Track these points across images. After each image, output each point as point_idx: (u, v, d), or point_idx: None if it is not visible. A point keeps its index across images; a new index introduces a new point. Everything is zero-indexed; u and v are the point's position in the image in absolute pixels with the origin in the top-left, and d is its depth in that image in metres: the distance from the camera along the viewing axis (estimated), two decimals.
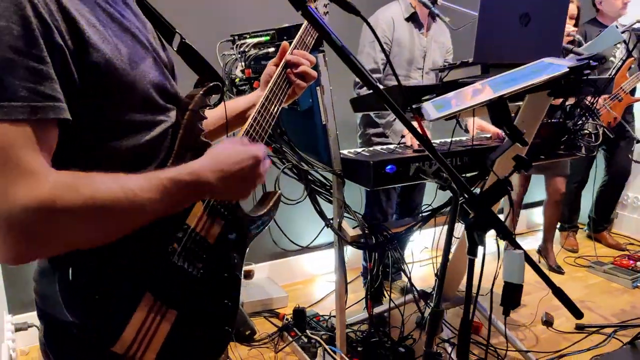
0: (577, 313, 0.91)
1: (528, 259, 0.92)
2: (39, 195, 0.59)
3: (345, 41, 0.86)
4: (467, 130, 2.49)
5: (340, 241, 1.87)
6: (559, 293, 0.91)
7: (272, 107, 1.02)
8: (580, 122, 2.07)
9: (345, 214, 1.88)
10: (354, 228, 1.89)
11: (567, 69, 0.89)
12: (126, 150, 0.75)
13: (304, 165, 1.78)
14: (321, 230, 1.91)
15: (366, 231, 1.84)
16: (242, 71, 1.70)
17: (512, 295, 0.92)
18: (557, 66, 0.88)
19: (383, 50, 0.97)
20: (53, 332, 0.76)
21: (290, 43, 1.11)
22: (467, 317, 1.00)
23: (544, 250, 3.38)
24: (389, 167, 1.74)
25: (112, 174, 0.67)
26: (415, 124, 0.91)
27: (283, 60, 1.07)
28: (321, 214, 1.82)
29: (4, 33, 0.58)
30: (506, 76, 0.89)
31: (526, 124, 1.79)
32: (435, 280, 2.41)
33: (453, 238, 2.21)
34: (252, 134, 0.97)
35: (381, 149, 2.07)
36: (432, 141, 2.10)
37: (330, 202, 1.91)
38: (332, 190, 1.88)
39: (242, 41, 1.74)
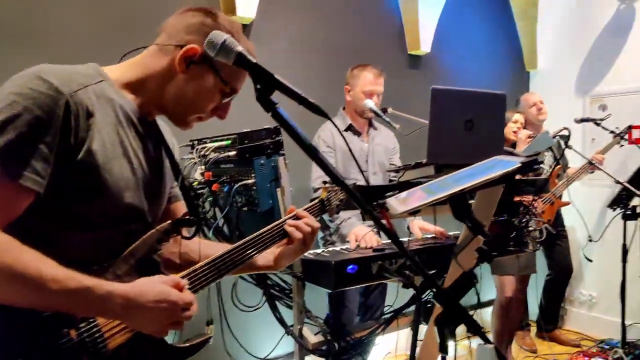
0: None
1: (499, 354, 0.90)
2: None
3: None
4: (409, 232, 2.56)
5: (302, 350, 1.77)
6: None
7: (240, 256, 1.09)
8: (524, 219, 2.19)
9: (306, 320, 1.81)
10: (315, 334, 1.81)
11: (520, 164, 0.96)
12: (78, 242, 0.89)
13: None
14: (280, 339, 1.81)
15: (328, 337, 1.76)
16: (202, 174, 1.70)
17: None
18: (509, 162, 0.95)
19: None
20: None
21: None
22: None
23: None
24: (350, 267, 1.72)
25: (42, 256, 0.79)
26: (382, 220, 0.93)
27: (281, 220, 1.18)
28: (281, 321, 1.74)
29: (35, 119, 0.79)
30: (463, 173, 0.95)
31: (481, 215, 1.85)
32: None
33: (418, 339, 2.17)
34: (198, 275, 1.02)
35: (341, 249, 2.06)
36: (381, 242, 2.13)
37: (290, 307, 1.84)
38: (292, 295, 1.82)
39: (202, 145, 1.77)
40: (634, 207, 2.63)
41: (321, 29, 3.07)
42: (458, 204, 0.94)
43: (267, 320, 1.84)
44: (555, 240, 3.63)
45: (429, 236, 2.42)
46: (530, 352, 3.62)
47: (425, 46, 3.48)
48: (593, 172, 3.30)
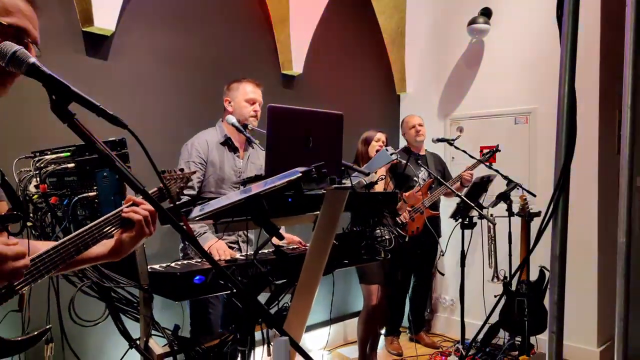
0: None
1: (294, 343, 1.00)
2: None
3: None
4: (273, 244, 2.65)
5: None
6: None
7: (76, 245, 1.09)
8: (376, 229, 2.38)
9: (154, 332, 1.80)
10: (163, 346, 1.81)
11: (300, 174, 1.09)
12: None
13: (105, 282, 1.70)
14: (125, 353, 1.78)
15: (175, 347, 1.77)
16: (37, 187, 1.64)
17: None
18: (296, 172, 1.07)
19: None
20: None
21: None
22: None
23: None
24: (197, 277, 1.75)
25: None
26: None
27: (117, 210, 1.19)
28: (124, 333, 1.72)
29: None
30: (260, 183, 1.05)
31: (326, 226, 1.97)
32: None
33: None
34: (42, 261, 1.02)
35: (195, 261, 2.08)
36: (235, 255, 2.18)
37: (138, 320, 1.82)
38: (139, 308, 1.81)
39: (41, 157, 1.71)
40: (471, 217, 2.97)
41: (191, 45, 3.10)
42: (252, 207, 1.03)
43: (113, 336, 1.80)
44: (428, 249, 3.95)
45: (291, 247, 2.53)
46: (396, 355, 3.88)
47: (297, 67, 3.66)
48: (466, 185, 3.65)
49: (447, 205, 4.06)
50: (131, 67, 2.77)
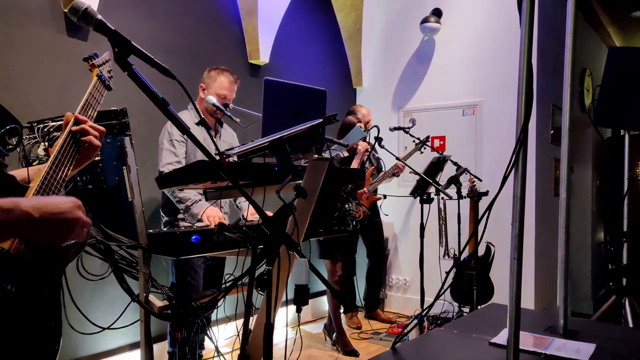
0: (345, 303, 1.21)
1: (311, 267, 1.21)
2: None
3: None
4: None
5: (148, 315, 1.89)
6: (330, 288, 1.22)
7: (60, 172, 1.12)
8: (346, 204, 2.61)
9: (152, 289, 1.94)
10: (161, 301, 1.94)
11: (322, 120, 1.29)
12: None
13: (109, 243, 1.82)
14: (126, 307, 1.90)
15: (174, 301, 1.91)
16: (45, 150, 1.74)
17: (301, 294, 1.18)
18: (317, 121, 1.28)
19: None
20: None
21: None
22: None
23: (340, 336, 3.63)
24: (194, 237, 1.90)
25: None
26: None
27: (67, 129, 1.21)
28: (128, 290, 1.84)
29: None
30: (284, 132, 1.25)
31: (310, 189, 2.16)
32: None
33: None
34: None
35: (184, 227, 2.23)
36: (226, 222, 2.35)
37: (137, 279, 1.95)
38: (138, 267, 1.93)
39: (44, 124, 1.80)
40: (429, 193, 3.28)
41: (165, 31, 3.21)
42: (277, 149, 1.23)
43: (113, 295, 1.92)
44: (373, 231, 4.25)
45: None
46: (355, 329, 4.14)
47: (264, 57, 3.83)
48: (398, 175, 3.97)
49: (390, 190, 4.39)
50: (109, 49, 2.84)
